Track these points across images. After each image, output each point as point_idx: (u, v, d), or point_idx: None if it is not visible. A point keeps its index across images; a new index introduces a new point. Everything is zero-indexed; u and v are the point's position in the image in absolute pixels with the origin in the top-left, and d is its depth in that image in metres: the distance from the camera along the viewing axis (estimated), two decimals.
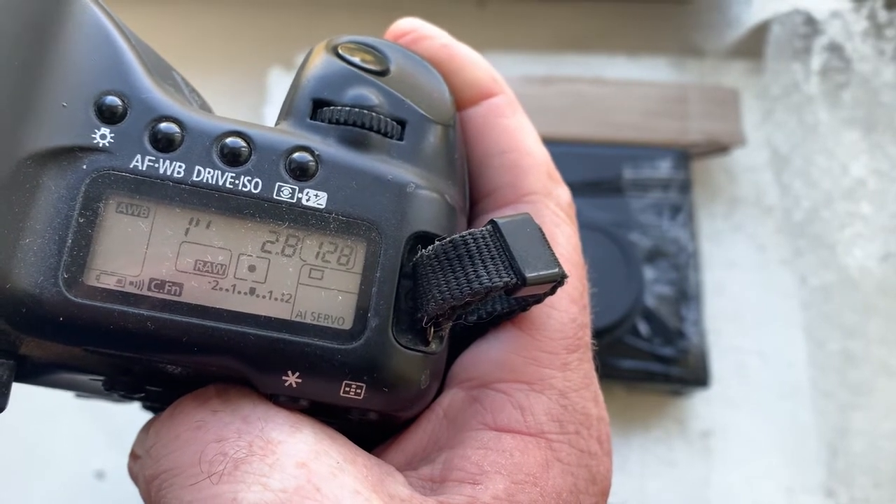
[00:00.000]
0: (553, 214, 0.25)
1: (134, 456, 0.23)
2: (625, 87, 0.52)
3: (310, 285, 0.20)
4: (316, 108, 0.23)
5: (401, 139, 0.23)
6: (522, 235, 0.21)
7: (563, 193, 0.26)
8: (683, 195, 0.49)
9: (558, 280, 0.21)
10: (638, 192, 0.49)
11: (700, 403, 0.48)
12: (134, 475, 0.23)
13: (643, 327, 0.45)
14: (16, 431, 0.47)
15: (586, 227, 0.46)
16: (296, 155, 0.21)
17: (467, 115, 0.26)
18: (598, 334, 0.44)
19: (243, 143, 0.21)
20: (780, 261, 0.51)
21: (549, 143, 0.51)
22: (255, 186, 0.20)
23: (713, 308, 0.49)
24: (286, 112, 0.23)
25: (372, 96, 0.23)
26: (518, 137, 0.26)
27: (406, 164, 0.22)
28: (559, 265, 0.21)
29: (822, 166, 0.50)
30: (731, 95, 0.51)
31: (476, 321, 0.23)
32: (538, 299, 0.23)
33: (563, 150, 0.50)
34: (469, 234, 0.21)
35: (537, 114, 0.50)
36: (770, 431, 0.47)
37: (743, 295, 0.50)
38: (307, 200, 0.21)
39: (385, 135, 0.22)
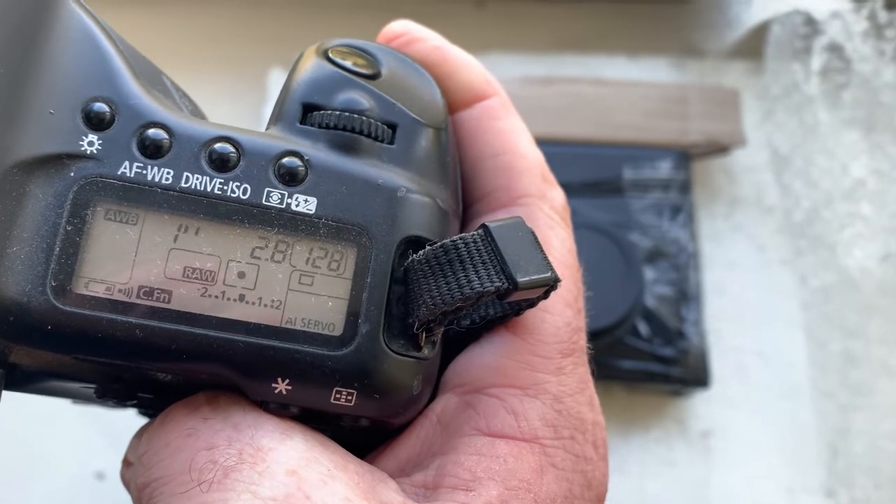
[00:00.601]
0: (547, 217, 0.25)
1: (126, 463, 0.23)
2: (625, 88, 0.52)
3: (300, 291, 0.20)
4: (306, 112, 0.22)
5: (392, 143, 0.23)
6: (514, 239, 0.21)
7: (558, 196, 0.26)
8: (683, 195, 0.49)
9: (551, 284, 0.21)
10: (638, 192, 0.49)
11: (700, 403, 0.48)
12: (126, 482, 0.23)
13: (643, 327, 0.45)
14: (16, 432, 0.47)
15: (586, 228, 0.46)
16: (285, 160, 0.21)
17: (460, 118, 0.26)
18: (597, 335, 0.44)
19: (231, 149, 0.20)
20: (781, 261, 0.51)
21: (550, 143, 0.51)
22: (244, 192, 0.20)
23: (713, 308, 0.49)
24: (276, 117, 0.22)
25: (362, 100, 0.22)
26: (511, 140, 0.25)
27: (397, 168, 0.22)
28: (552, 269, 0.21)
29: (823, 166, 0.50)
30: (731, 96, 0.51)
31: (469, 326, 0.23)
32: (532, 303, 0.22)
33: (563, 151, 0.50)
34: (460, 239, 0.21)
35: (537, 114, 0.50)
36: (770, 432, 0.47)
37: (743, 295, 0.50)
38: (297, 206, 0.20)
39: (376, 139, 0.22)
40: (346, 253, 0.21)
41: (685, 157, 0.50)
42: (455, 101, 0.26)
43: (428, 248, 0.21)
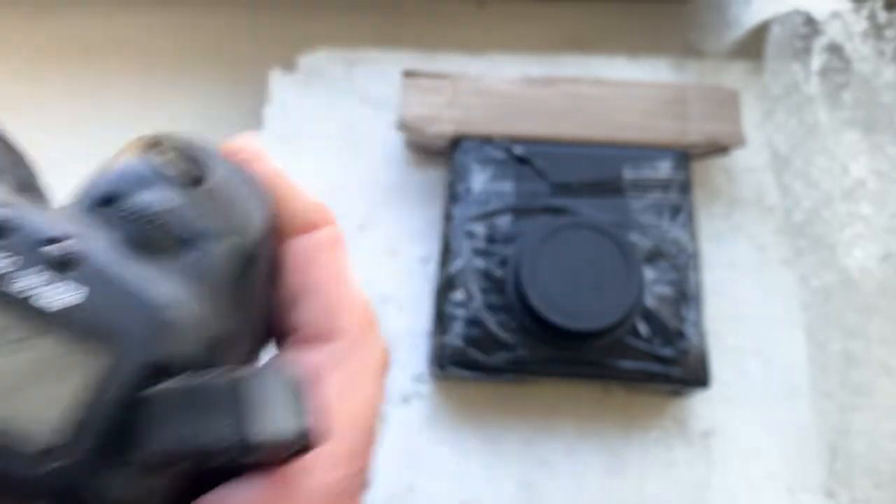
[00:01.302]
0: (357, 364, 0.23)
1: None
2: (625, 88, 0.52)
3: (24, 390, 0.18)
4: (107, 201, 0.21)
5: (187, 255, 0.21)
6: (271, 389, 0.19)
7: (378, 343, 0.24)
8: (683, 196, 0.49)
9: (300, 445, 0.19)
10: (638, 192, 0.49)
11: (700, 404, 0.48)
12: None
13: (643, 328, 0.45)
14: None
15: (586, 228, 0.46)
16: (55, 246, 0.19)
17: (289, 246, 0.25)
18: (597, 335, 0.44)
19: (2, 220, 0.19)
20: (781, 261, 0.51)
21: (550, 143, 0.51)
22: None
23: (713, 308, 0.49)
24: (79, 196, 0.21)
25: (169, 204, 0.21)
26: (336, 275, 0.24)
27: (183, 282, 0.20)
28: (304, 428, 0.19)
29: (823, 167, 0.50)
30: (731, 96, 0.51)
31: (218, 467, 0.20)
32: (287, 458, 0.20)
33: (563, 151, 0.50)
34: (210, 380, 0.19)
35: (537, 114, 0.50)
36: (770, 432, 0.47)
37: (743, 295, 0.50)
38: (55, 296, 0.19)
39: (169, 246, 0.20)
40: (89, 360, 0.18)
41: (685, 157, 0.50)
42: (286, 228, 0.24)
43: (174, 380, 0.19)
